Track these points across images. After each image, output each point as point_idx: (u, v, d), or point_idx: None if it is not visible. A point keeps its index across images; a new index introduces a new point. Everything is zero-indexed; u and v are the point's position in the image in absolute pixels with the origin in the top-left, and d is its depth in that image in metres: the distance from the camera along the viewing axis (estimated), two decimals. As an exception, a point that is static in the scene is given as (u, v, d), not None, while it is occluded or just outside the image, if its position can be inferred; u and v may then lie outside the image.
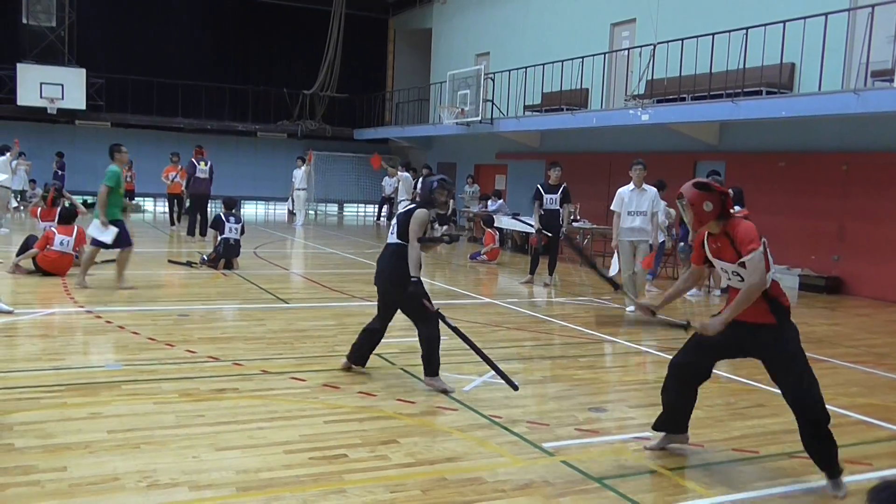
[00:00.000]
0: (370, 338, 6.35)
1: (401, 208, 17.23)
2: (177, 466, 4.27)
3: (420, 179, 19.23)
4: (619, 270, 10.31)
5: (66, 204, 12.06)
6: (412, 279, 5.91)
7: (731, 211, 4.44)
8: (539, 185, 12.29)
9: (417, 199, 6.58)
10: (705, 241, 4.63)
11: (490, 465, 4.55)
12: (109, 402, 5.38)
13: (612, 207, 10.35)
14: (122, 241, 9.98)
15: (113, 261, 10.39)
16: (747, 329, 4.41)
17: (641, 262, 10.14)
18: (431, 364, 6.06)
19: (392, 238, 6.16)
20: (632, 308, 9.67)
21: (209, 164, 16.97)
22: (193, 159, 16.98)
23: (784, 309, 4.43)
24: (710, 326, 4.43)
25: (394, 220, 6.26)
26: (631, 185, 10.14)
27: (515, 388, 5.59)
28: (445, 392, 5.90)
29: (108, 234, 9.85)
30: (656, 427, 4.88)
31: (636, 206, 10.02)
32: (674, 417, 4.82)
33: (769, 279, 4.42)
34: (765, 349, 4.42)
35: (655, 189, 10.30)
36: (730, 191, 4.90)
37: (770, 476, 4.58)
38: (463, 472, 4.39)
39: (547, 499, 4.07)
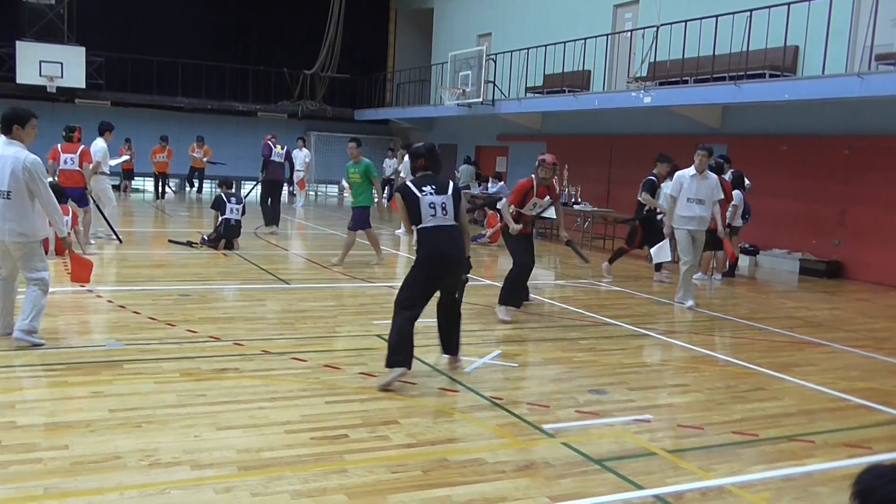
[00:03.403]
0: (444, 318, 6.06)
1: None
2: (178, 445, 4.28)
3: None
4: (674, 259, 10.01)
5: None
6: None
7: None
8: (653, 177, 11.26)
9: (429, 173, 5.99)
10: (534, 188, 8.37)
11: (491, 446, 4.57)
12: (111, 381, 5.39)
13: (669, 192, 9.74)
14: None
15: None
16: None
17: (725, 256, 9.63)
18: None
19: (450, 220, 5.69)
20: (691, 303, 9.38)
21: (285, 148, 15.82)
22: (270, 142, 15.68)
23: None
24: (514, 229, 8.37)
25: (440, 200, 5.67)
26: (692, 170, 9.39)
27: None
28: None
29: None
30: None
31: (695, 193, 9.28)
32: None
33: None
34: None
35: (716, 176, 9.66)
36: None
37: (769, 459, 4.59)
38: (464, 453, 4.40)
39: (547, 480, 4.09)
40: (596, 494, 3.95)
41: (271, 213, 15.25)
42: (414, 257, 5.81)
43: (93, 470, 3.93)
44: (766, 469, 4.43)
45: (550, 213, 9.51)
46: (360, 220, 11.46)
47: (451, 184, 5.83)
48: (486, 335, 7.41)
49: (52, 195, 6.15)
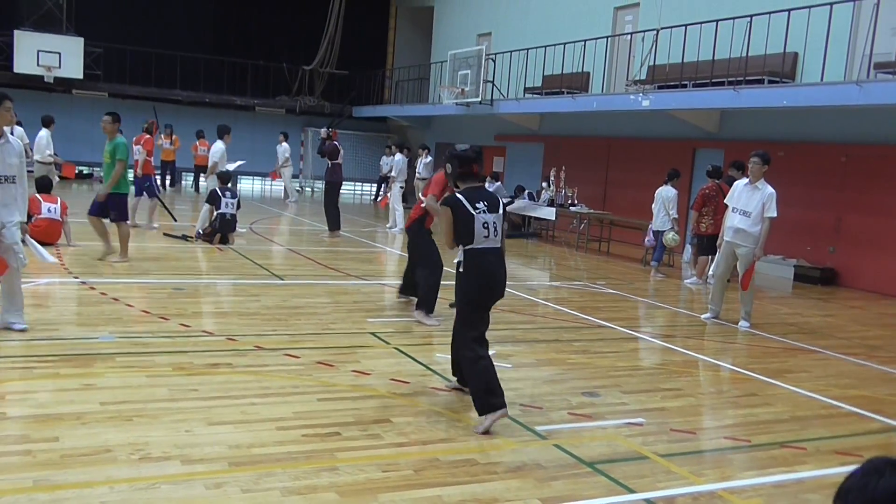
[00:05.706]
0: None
1: (396, 189, 16.96)
2: (169, 440, 4.26)
3: (425, 159, 19.04)
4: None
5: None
6: None
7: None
8: None
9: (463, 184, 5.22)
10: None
11: (482, 446, 4.56)
12: (103, 373, 5.37)
13: (725, 201, 9.25)
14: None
15: None
16: None
17: (742, 275, 8.74)
18: None
19: (498, 241, 5.09)
20: (707, 315, 9.05)
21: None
22: (336, 142, 14.75)
23: None
24: None
25: (493, 219, 5.00)
26: (746, 179, 8.93)
27: None
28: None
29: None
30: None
31: (743, 203, 8.68)
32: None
33: None
34: None
35: (772, 190, 8.76)
36: None
37: (761, 465, 4.59)
38: (455, 454, 4.39)
39: (539, 482, 4.08)
40: (587, 497, 3.94)
41: (335, 217, 14.51)
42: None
43: (83, 463, 3.91)
44: (758, 475, 4.43)
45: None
46: (117, 207, 9.87)
47: (500, 201, 5.20)
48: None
49: None
